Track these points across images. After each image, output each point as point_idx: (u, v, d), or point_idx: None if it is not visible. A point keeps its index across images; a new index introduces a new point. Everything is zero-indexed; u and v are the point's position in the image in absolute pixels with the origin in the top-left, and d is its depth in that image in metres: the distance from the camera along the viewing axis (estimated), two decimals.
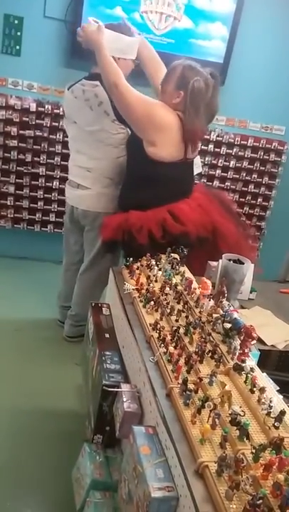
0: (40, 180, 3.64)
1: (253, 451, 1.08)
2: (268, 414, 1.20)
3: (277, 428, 1.17)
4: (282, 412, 1.17)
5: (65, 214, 3.01)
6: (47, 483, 1.91)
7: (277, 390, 1.41)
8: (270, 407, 1.21)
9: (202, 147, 3.78)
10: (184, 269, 2.04)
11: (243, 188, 3.98)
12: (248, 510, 0.94)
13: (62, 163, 3.53)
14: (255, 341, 1.42)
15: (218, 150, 3.85)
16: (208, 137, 3.78)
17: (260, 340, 1.84)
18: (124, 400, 1.48)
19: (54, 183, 3.66)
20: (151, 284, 1.91)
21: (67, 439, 2.10)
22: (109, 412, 1.61)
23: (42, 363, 2.69)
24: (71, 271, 3.01)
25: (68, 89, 2.64)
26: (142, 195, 2.37)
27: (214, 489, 1.03)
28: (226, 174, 3.92)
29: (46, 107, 3.45)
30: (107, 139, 2.57)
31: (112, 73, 2.30)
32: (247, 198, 4.01)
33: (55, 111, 3.45)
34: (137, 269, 2.04)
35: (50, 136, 3.53)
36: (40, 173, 3.62)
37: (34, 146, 3.55)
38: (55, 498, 1.84)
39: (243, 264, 2.01)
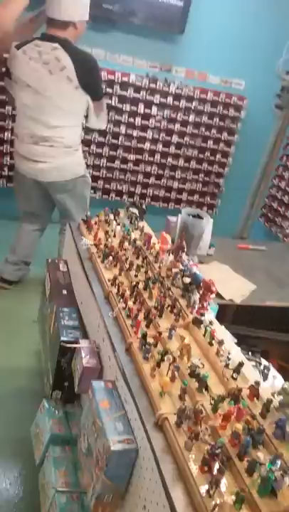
0: None
1: (212, 402, 1.09)
2: (227, 366, 1.21)
3: (235, 379, 1.19)
4: (240, 364, 1.19)
5: (17, 182, 2.80)
6: (6, 441, 1.89)
7: (235, 343, 1.43)
8: (229, 359, 1.22)
9: (160, 100, 3.67)
10: (142, 224, 2.00)
11: (202, 144, 3.93)
12: (206, 460, 0.96)
13: (13, 112, 3.33)
14: (214, 295, 1.42)
15: (178, 103, 3.74)
16: (166, 89, 3.66)
17: (218, 295, 1.85)
18: (83, 355, 1.45)
19: (5, 134, 3.46)
20: (109, 239, 1.86)
21: (27, 397, 2.08)
22: (68, 368, 1.59)
23: None
24: (32, 234, 2.93)
25: (18, 49, 2.39)
26: None
27: (174, 440, 1.03)
28: (184, 129, 3.84)
29: None
30: (67, 106, 2.44)
31: None
32: (206, 154, 3.97)
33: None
34: (95, 224, 1.98)
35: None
36: None
37: None
38: (16, 454, 1.83)
39: (202, 218, 1.99)
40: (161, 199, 4.04)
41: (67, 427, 1.56)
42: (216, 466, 0.94)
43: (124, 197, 3.96)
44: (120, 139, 3.73)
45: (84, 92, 2.40)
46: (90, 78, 2.42)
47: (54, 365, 1.62)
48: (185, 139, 3.87)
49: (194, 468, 0.97)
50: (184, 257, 1.64)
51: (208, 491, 0.92)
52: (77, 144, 2.62)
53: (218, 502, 0.90)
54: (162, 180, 3.98)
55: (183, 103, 3.74)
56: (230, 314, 1.99)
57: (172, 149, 3.88)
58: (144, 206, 2.04)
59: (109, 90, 3.51)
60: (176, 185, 4.02)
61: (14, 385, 2.17)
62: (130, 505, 1.16)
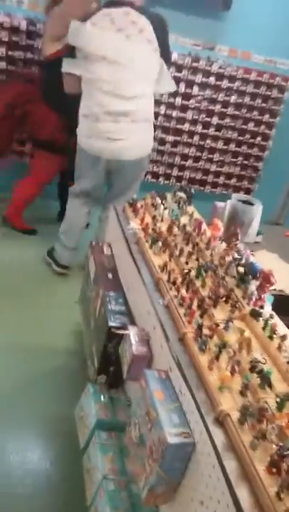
0: None
1: (277, 399, 1.04)
2: None
3: None
4: None
5: (85, 162, 2.64)
6: (46, 419, 1.90)
7: None
8: None
9: (202, 79, 3.55)
10: (192, 209, 1.94)
11: (243, 126, 3.80)
12: (275, 460, 0.92)
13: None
14: (273, 287, 1.36)
15: (220, 83, 3.61)
16: (209, 69, 3.54)
17: None
18: (133, 342, 1.43)
19: None
20: (157, 224, 1.81)
21: (66, 376, 2.08)
22: (114, 353, 1.57)
23: (40, 302, 2.63)
24: (86, 206, 2.83)
25: (84, 22, 2.27)
26: None
27: (237, 438, 1.00)
28: (225, 110, 3.72)
29: (38, 26, 3.12)
30: (147, 70, 2.34)
31: None
32: (246, 136, 3.84)
33: None
34: (141, 207, 1.94)
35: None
36: None
37: (25, 70, 3.25)
38: (56, 433, 1.83)
39: (253, 205, 1.92)
40: (197, 182, 3.95)
41: (113, 413, 1.55)
42: (286, 467, 0.91)
43: (160, 179, 3.89)
44: (159, 119, 3.63)
45: (159, 55, 2.32)
46: (166, 39, 2.35)
47: (100, 349, 1.60)
48: (225, 120, 3.75)
49: (261, 468, 0.93)
50: (240, 245, 1.58)
51: (277, 494, 0.88)
52: (152, 116, 2.54)
53: (288, 506, 0.86)
54: (200, 163, 3.88)
55: (225, 83, 3.61)
56: (280, 305, 1.93)
57: (212, 131, 3.77)
58: (192, 190, 1.97)
59: None
60: (213, 168, 3.92)
61: (53, 364, 2.17)
62: (183, 499, 1.14)
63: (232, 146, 3.87)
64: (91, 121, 2.44)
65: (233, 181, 4.02)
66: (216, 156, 3.87)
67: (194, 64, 3.51)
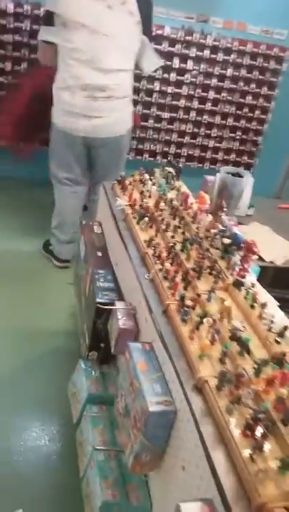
0: None
1: (255, 366, 1.05)
2: (270, 329, 1.16)
3: (278, 343, 1.14)
4: (285, 327, 1.13)
5: (61, 144, 2.54)
6: (44, 399, 1.94)
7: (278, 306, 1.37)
8: (272, 322, 1.17)
9: (197, 53, 3.49)
10: (179, 183, 1.93)
11: (240, 100, 3.74)
12: (250, 424, 0.93)
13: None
14: (256, 257, 1.35)
15: (215, 56, 3.55)
16: (203, 42, 3.47)
17: (258, 257, 1.78)
18: (119, 317, 1.44)
19: None
20: (145, 200, 1.80)
21: (63, 357, 2.11)
22: (104, 329, 1.58)
23: (33, 285, 2.65)
24: (76, 195, 2.74)
25: None
26: None
27: (214, 403, 1.00)
28: (222, 84, 3.66)
29: (25, 7, 3.08)
30: (127, 44, 2.27)
31: None
32: (244, 110, 3.78)
33: (35, 12, 3.09)
34: (130, 184, 1.93)
35: (32, 41, 3.15)
36: None
37: (14, 53, 3.22)
38: (53, 412, 1.87)
39: (242, 177, 1.89)
40: (196, 159, 3.91)
41: (104, 387, 1.57)
42: (260, 430, 0.91)
43: (158, 157, 3.85)
44: (154, 96, 3.59)
45: (141, 29, 2.25)
46: (149, 13, 2.27)
47: (90, 326, 1.61)
48: (222, 94, 3.69)
49: (236, 432, 0.94)
50: (224, 217, 1.57)
51: (251, 456, 0.89)
52: (131, 92, 2.47)
53: (261, 467, 0.87)
54: (198, 139, 3.84)
55: (220, 56, 3.55)
56: (270, 277, 1.92)
57: (208, 106, 3.71)
58: (180, 165, 1.96)
59: None
60: (212, 143, 3.88)
61: (51, 346, 2.20)
62: (168, 466, 1.16)
63: (230, 121, 3.82)
64: (66, 95, 2.36)
65: (232, 156, 3.97)
66: (214, 132, 3.82)
67: (188, 38, 3.45)
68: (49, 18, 2.27)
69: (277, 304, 1.41)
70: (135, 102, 3.54)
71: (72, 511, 1.49)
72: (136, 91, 3.50)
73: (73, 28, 2.21)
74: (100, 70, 2.27)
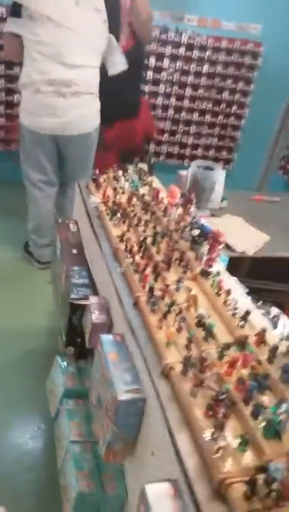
0: None
1: (218, 349, 1.07)
2: (234, 315, 1.19)
3: (242, 327, 1.16)
4: (247, 312, 1.16)
5: (31, 145, 2.53)
6: (26, 397, 1.96)
7: (248, 294, 1.40)
8: (236, 308, 1.20)
9: (172, 51, 3.52)
10: (151, 179, 1.95)
11: (217, 96, 3.78)
12: (211, 405, 0.95)
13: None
14: (222, 246, 1.38)
15: (190, 54, 3.58)
16: (178, 40, 3.50)
17: (230, 248, 1.81)
18: (92, 311, 1.46)
19: (15, 96, 3.40)
20: (118, 196, 1.82)
21: (43, 355, 2.12)
22: (79, 324, 1.60)
23: (13, 284, 2.66)
24: (50, 198, 2.74)
25: None
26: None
27: (179, 388, 1.03)
28: (198, 81, 3.69)
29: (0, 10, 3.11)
30: (93, 41, 2.27)
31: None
32: (221, 106, 3.83)
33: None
34: (104, 181, 1.95)
35: None
36: None
37: None
38: (34, 409, 1.89)
39: (213, 170, 1.93)
40: (175, 156, 3.95)
41: (80, 382, 1.59)
42: (221, 410, 0.94)
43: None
44: None
45: (107, 28, 2.27)
46: (116, 13, 2.29)
47: (66, 322, 1.63)
48: (199, 91, 3.74)
49: (199, 413, 0.97)
50: (192, 209, 1.59)
51: (212, 435, 0.91)
52: (97, 89, 2.46)
53: (222, 445, 0.89)
54: (176, 136, 3.88)
55: (196, 53, 3.60)
56: (245, 268, 1.95)
57: (186, 103, 3.75)
58: (152, 161, 1.98)
59: None
60: (190, 140, 3.91)
61: (31, 345, 2.22)
62: (140, 453, 1.18)
63: (208, 118, 3.85)
64: (32, 92, 2.36)
65: (211, 153, 4.01)
66: (193, 129, 3.86)
67: (163, 36, 3.48)
68: (16, 10, 2.26)
69: (247, 290, 1.44)
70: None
71: (54, 505, 1.51)
72: None
73: (39, 21, 2.20)
74: (64, 64, 2.27)
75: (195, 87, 3.72)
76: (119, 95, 2.52)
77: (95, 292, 1.65)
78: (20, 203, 3.14)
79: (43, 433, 1.78)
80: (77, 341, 1.64)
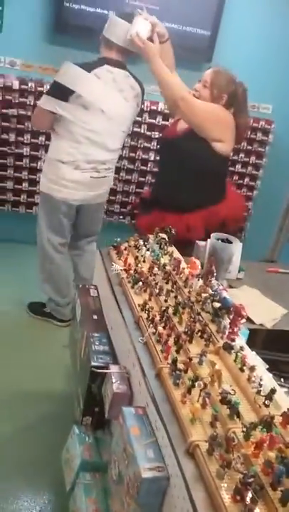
0: (24, 161, 3.56)
1: (244, 429, 1.07)
2: (258, 392, 1.20)
3: (267, 406, 1.17)
4: (273, 390, 1.17)
5: (58, 214, 2.66)
6: (37, 465, 1.90)
7: (267, 369, 1.41)
8: (260, 385, 1.20)
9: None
10: (172, 249, 2.02)
11: (230, 168, 3.94)
12: (239, 489, 0.94)
13: (47, 142, 3.45)
14: (244, 320, 1.41)
15: None
16: None
17: (248, 319, 1.83)
18: (113, 381, 1.46)
19: (39, 163, 3.58)
20: (139, 265, 1.88)
21: (58, 422, 2.09)
22: (98, 393, 1.59)
23: (28, 347, 2.66)
24: (67, 259, 2.89)
25: (89, 72, 2.35)
26: (208, 192, 2.42)
27: (205, 468, 1.02)
28: None
29: (30, 84, 3.34)
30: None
31: (175, 87, 2.32)
32: (234, 178, 3.98)
33: (38, 89, 3.34)
34: (125, 249, 2.01)
35: None
36: (25, 154, 3.54)
37: (18, 126, 3.45)
38: (46, 479, 1.83)
39: (232, 243, 1.99)
40: None
41: (97, 454, 1.56)
42: (249, 495, 0.93)
43: None
44: (136, 164, 3.79)
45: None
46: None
47: (84, 390, 1.63)
48: None
49: (226, 497, 0.95)
50: (214, 281, 1.64)
51: None
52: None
53: None
54: None
55: None
56: (261, 340, 1.96)
57: None
58: (172, 231, 2.06)
59: (138, 118, 3.59)
60: None
61: (45, 410, 2.19)
62: None
63: None
64: (71, 169, 2.56)
65: None
66: None
67: None
68: (61, 92, 2.38)
69: (267, 366, 1.45)
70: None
71: None
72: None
73: (92, 111, 2.43)
74: (107, 150, 2.58)
75: None
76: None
77: (114, 360, 1.66)
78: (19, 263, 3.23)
79: (54, 506, 1.71)
80: (95, 410, 1.63)
